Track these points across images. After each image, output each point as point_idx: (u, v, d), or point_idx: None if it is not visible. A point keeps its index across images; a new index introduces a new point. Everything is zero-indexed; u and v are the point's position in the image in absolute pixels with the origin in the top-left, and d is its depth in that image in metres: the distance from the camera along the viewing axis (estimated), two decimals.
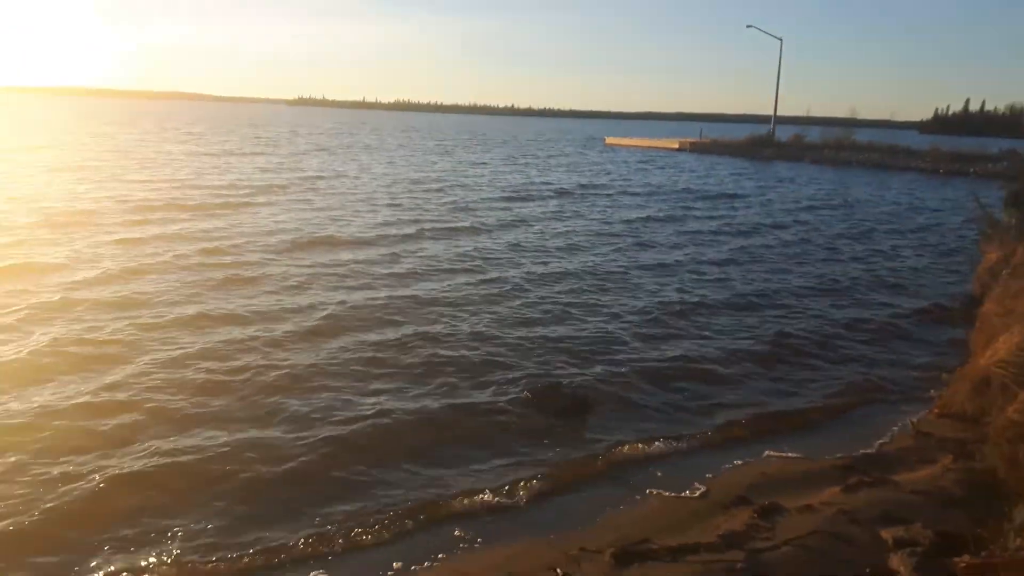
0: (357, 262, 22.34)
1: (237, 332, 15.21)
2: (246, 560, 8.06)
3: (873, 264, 26.19)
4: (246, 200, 34.14)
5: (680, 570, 7.86)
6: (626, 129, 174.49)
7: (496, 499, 9.59)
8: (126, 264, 20.54)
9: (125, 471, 9.55)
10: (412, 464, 10.33)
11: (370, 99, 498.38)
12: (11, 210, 28.03)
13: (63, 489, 9.09)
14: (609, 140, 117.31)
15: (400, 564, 8.13)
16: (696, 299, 19.73)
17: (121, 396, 11.81)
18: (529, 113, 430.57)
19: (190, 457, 10.05)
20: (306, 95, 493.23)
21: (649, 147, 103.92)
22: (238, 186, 39.34)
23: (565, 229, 30.66)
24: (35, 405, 11.28)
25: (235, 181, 41.73)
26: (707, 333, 16.91)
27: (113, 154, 55.73)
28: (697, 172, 63.45)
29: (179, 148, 65.31)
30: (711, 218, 35.78)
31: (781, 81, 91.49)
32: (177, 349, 13.99)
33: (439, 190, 42.41)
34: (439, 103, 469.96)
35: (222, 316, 16.24)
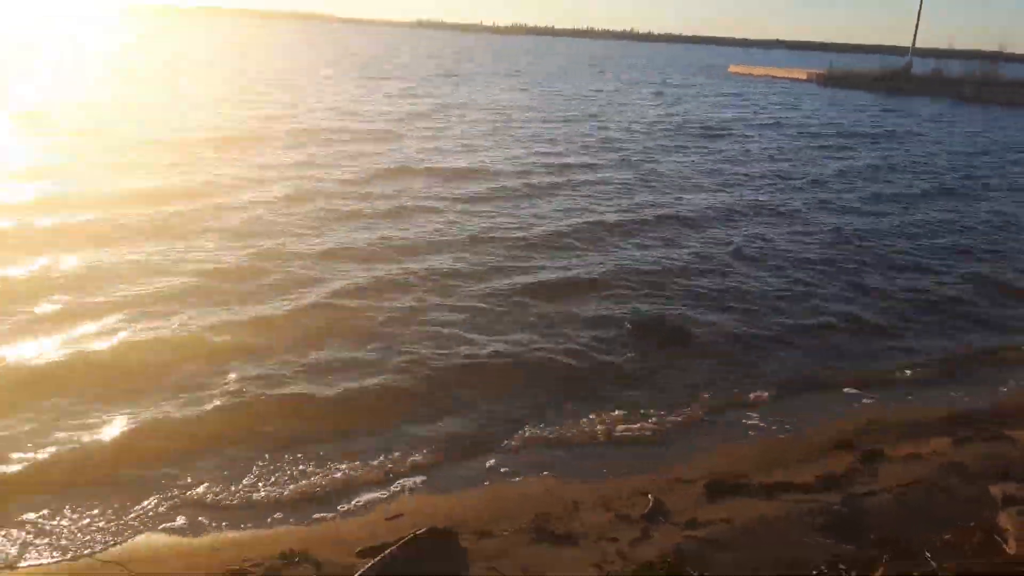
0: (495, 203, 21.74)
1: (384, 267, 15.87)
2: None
3: None
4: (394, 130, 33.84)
5: (771, 507, 7.86)
6: (739, 56, 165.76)
7: (596, 428, 9.82)
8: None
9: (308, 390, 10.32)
10: (518, 397, 10.60)
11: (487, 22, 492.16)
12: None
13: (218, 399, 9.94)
14: (733, 68, 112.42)
15: (505, 469, 8.70)
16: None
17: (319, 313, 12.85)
18: (631, 37, 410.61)
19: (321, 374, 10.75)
20: (424, 18, 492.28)
21: (775, 77, 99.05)
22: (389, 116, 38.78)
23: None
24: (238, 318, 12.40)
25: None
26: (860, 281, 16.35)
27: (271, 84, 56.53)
28: (843, 107, 59.64)
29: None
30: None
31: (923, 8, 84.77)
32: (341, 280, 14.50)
33: (576, 120, 40.96)
34: (551, 26, 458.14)
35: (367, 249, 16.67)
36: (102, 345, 11.05)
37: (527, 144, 31.85)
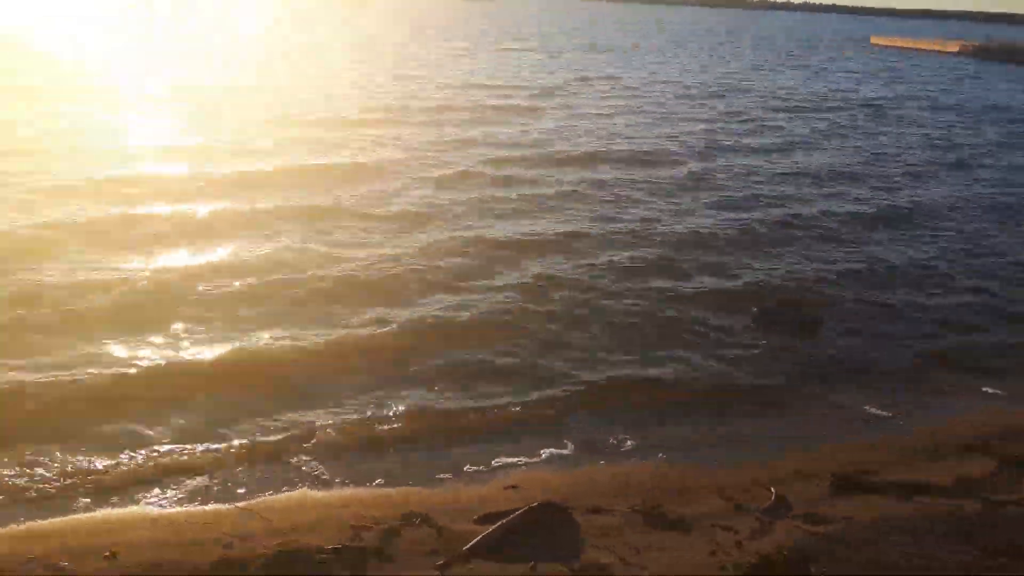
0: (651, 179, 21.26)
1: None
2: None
3: None
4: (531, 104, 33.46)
5: (900, 507, 7.53)
6: (879, 27, 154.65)
7: (711, 413, 9.69)
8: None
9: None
10: (634, 380, 10.47)
11: None
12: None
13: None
14: (875, 39, 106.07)
15: (622, 450, 8.62)
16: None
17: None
18: (751, 6, 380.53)
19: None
20: None
21: (922, 49, 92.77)
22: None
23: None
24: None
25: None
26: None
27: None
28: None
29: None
30: None
31: None
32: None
33: (718, 95, 39.00)
34: None
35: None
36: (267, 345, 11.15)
37: (674, 122, 30.53)
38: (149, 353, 10.11)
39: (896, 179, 22.89)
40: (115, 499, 7.52)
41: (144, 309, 11.31)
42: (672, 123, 30.05)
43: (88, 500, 7.50)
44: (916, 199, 20.68)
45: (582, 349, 11.03)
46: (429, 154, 22.42)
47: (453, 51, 57.57)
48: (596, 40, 76.94)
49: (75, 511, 7.34)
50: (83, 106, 27.40)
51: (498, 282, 13.07)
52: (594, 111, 32.14)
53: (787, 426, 9.52)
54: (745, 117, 32.26)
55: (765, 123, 31.34)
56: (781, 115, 33.85)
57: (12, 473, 7.77)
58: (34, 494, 7.53)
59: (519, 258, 14.28)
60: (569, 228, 16.10)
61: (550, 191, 19.11)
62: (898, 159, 26.01)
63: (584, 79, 43.38)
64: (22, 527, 7.05)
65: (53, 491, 7.58)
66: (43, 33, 54.37)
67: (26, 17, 65.61)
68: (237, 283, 12.35)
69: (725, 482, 8.03)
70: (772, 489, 7.78)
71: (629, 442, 8.96)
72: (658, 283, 13.44)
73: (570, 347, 11.07)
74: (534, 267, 13.81)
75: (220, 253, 13.76)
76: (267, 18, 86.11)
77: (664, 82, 43.73)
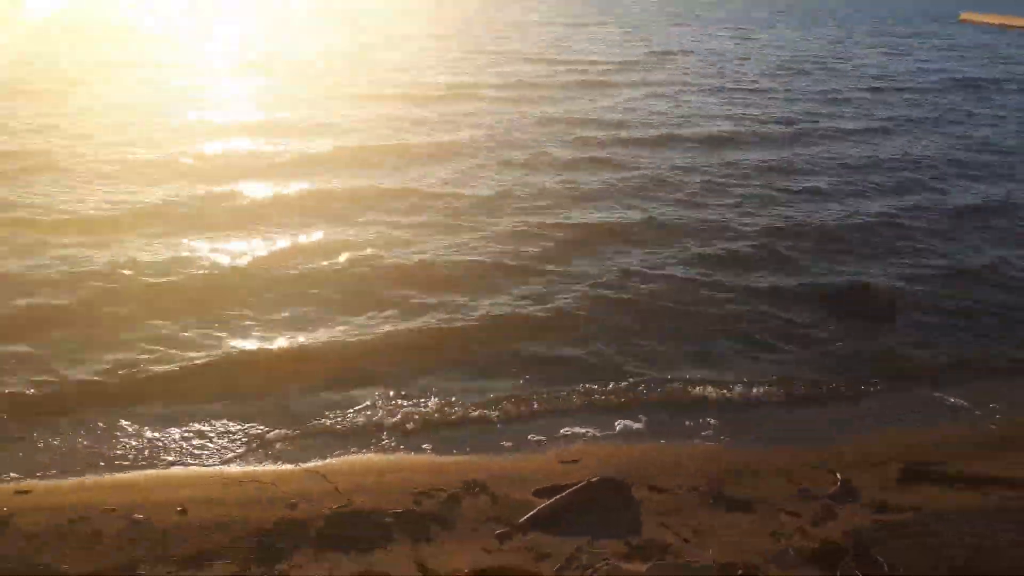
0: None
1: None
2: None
3: None
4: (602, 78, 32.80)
5: (973, 499, 7.28)
6: (962, 2, 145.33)
7: (777, 394, 9.52)
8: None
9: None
10: (701, 358, 10.43)
11: None
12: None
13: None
14: (964, 16, 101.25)
15: (684, 427, 8.63)
16: None
17: None
18: None
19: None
20: None
21: (1019, 27, 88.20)
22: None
23: None
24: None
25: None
26: None
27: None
28: None
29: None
30: None
31: None
32: None
33: (802, 72, 36.99)
34: None
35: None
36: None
37: (758, 101, 29.12)
38: (224, 331, 10.37)
39: (996, 168, 21.24)
40: (188, 458, 7.82)
41: (220, 289, 11.58)
42: (756, 102, 28.81)
43: (164, 458, 7.81)
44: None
45: (653, 337, 10.84)
46: (506, 133, 22.16)
47: (527, 23, 56.89)
48: (674, 13, 74.66)
49: (151, 467, 7.66)
50: (168, 80, 28.33)
51: (576, 270, 12.89)
52: (675, 88, 31.19)
53: (856, 413, 9.28)
54: (833, 96, 30.51)
55: (853, 103, 29.54)
56: (869, 95, 31.61)
57: (99, 431, 8.20)
58: (118, 450, 7.91)
59: (598, 246, 14.02)
60: (649, 215, 15.67)
61: (632, 174, 18.58)
62: (996, 147, 23.96)
63: (665, 53, 42.16)
64: (105, 479, 7.41)
65: (133, 448, 7.95)
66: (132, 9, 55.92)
67: None
68: (313, 265, 12.53)
69: (790, 465, 7.88)
70: (838, 475, 7.60)
71: (693, 424, 8.85)
72: (736, 274, 13.06)
73: (641, 335, 10.89)
74: (613, 256, 13.58)
75: (298, 235, 13.87)
76: None
77: (744, 58, 41.99)
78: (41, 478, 7.41)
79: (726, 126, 24.31)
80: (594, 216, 15.55)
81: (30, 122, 21.07)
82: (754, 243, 14.38)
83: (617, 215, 15.70)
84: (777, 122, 25.34)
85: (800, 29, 63.61)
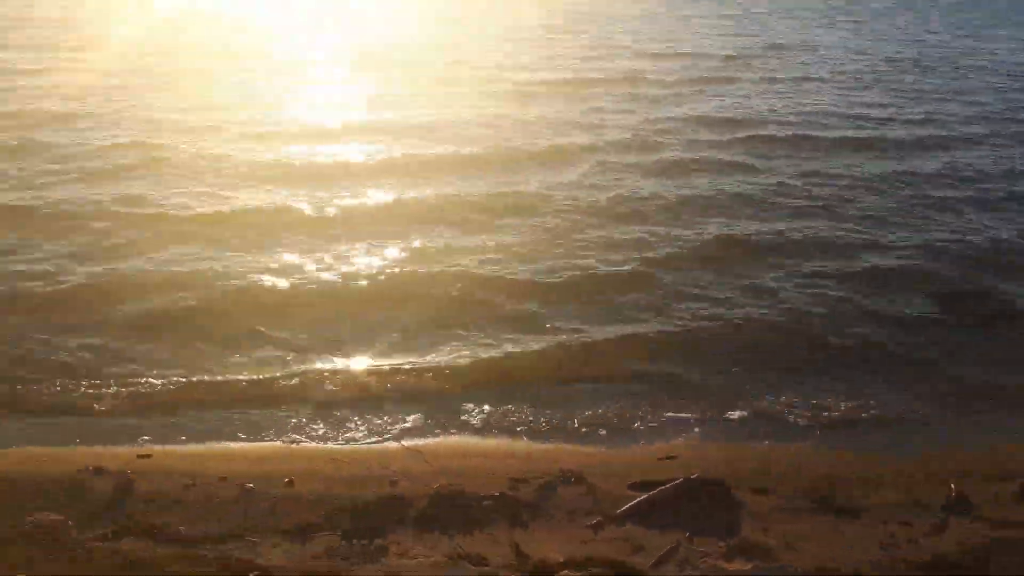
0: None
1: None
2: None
3: None
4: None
5: None
6: None
7: (885, 403, 9.10)
8: None
9: None
10: (809, 365, 10.03)
11: None
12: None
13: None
14: None
15: (788, 430, 8.39)
16: None
17: None
18: None
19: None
20: None
21: None
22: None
23: None
24: None
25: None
26: None
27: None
28: None
29: None
30: None
31: None
32: None
33: (929, 68, 33.53)
34: None
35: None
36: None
37: (892, 99, 26.73)
38: (331, 325, 10.55)
39: None
40: (295, 432, 8.14)
41: (340, 293, 11.57)
42: (889, 100, 26.44)
43: (272, 431, 8.16)
44: None
45: (771, 350, 10.37)
46: (623, 134, 21.11)
47: (631, 16, 55.30)
48: (784, 5, 70.62)
49: (261, 439, 8.01)
50: (280, 73, 29.20)
51: (700, 284, 12.12)
52: (796, 84, 29.25)
53: (975, 422, 8.78)
54: (969, 99, 27.00)
55: (998, 106, 26.06)
56: (1012, 95, 27.96)
57: (212, 404, 8.66)
58: (230, 422, 8.32)
59: (726, 259, 13.02)
60: (781, 226, 14.49)
61: (761, 181, 17.23)
62: None
63: (780, 46, 39.66)
64: (217, 448, 7.80)
65: (244, 421, 8.35)
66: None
67: None
68: (431, 270, 12.19)
69: (903, 473, 7.54)
70: (953, 486, 7.23)
71: (800, 429, 8.57)
72: (872, 292, 12.11)
73: (756, 349, 10.36)
74: (742, 270, 12.65)
75: (418, 241, 13.41)
76: None
77: (860, 52, 38.98)
78: (163, 442, 7.87)
79: (855, 127, 22.63)
80: (723, 227, 14.46)
81: (159, 116, 21.86)
82: (895, 260, 13.14)
83: (748, 226, 14.56)
84: (907, 123, 23.26)
85: (921, 20, 59.59)
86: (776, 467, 7.67)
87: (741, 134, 21.19)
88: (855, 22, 54.32)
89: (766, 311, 11.26)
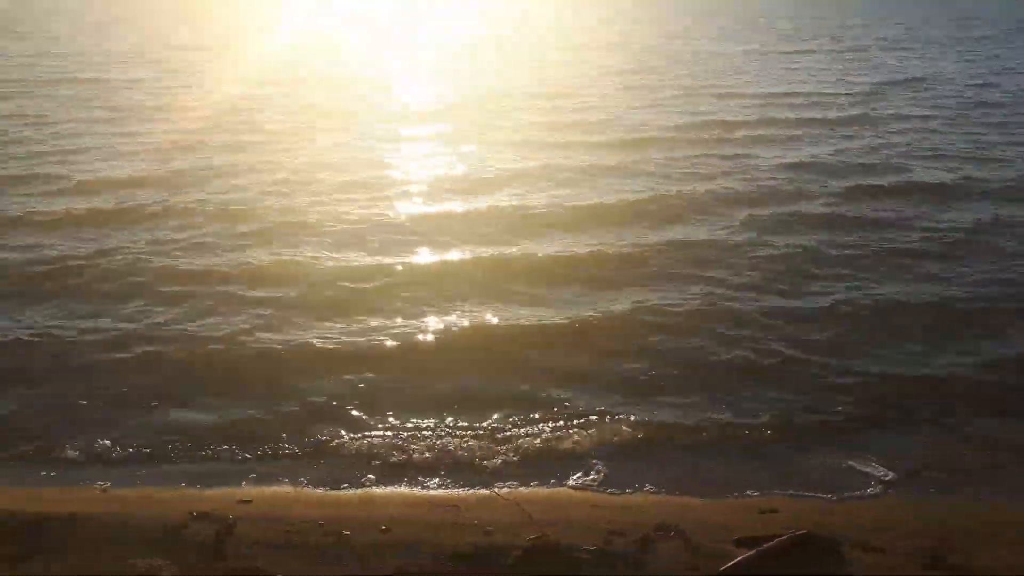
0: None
1: None
2: None
3: None
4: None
5: None
6: None
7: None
8: None
9: None
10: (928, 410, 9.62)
11: None
12: None
13: None
14: None
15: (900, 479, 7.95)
16: None
17: None
18: None
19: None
20: None
21: None
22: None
23: None
24: None
25: None
26: None
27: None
28: None
29: None
30: None
31: None
32: None
33: None
34: None
35: None
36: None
37: None
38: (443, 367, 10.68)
39: None
40: (391, 478, 8.18)
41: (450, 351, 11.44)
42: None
43: (369, 476, 8.22)
44: None
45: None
46: (743, 182, 19.38)
47: (719, 54, 53.40)
48: (886, 37, 66.81)
49: (358, 485, 8.07)
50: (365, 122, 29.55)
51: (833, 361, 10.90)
52: (921, 126, 26.49)
53: None
54: None
55: None
56: None
57: (313, 446, 8.83)
58: (328, 466, 8.45)
59: (866, 334, 11.60)
60: (941, 295, 12.86)
61: (912, 237, 15.51)
62: None
63: (892, 83, 36.64)
64: (315, 493, 7.89)
65: (341, 465, 8.46)
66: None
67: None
68: (549, 322, 11.95)
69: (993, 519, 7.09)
70: None
71: (913, 480, 8.15)
72: None
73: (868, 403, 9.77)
74: (878, 350, 11.15)
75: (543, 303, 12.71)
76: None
77: (982, 84, 35.70)
78: (261, 488, 8.01)
79: (1003, 176, 19.91)
80: (865, 292, 12.95)
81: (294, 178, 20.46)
82: None
83: (896, 293, 12.94)
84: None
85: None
86: (885, 522, 7.28)
87: (868, 181, 19.34)
88: (968, 50, 51.36)
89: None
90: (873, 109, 29.52)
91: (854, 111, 29.17)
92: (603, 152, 22.83)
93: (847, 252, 14.79)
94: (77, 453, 8.70)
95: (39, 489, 8.03)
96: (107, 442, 8.87)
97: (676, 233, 15.86)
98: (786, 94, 33.12)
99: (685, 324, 11.78)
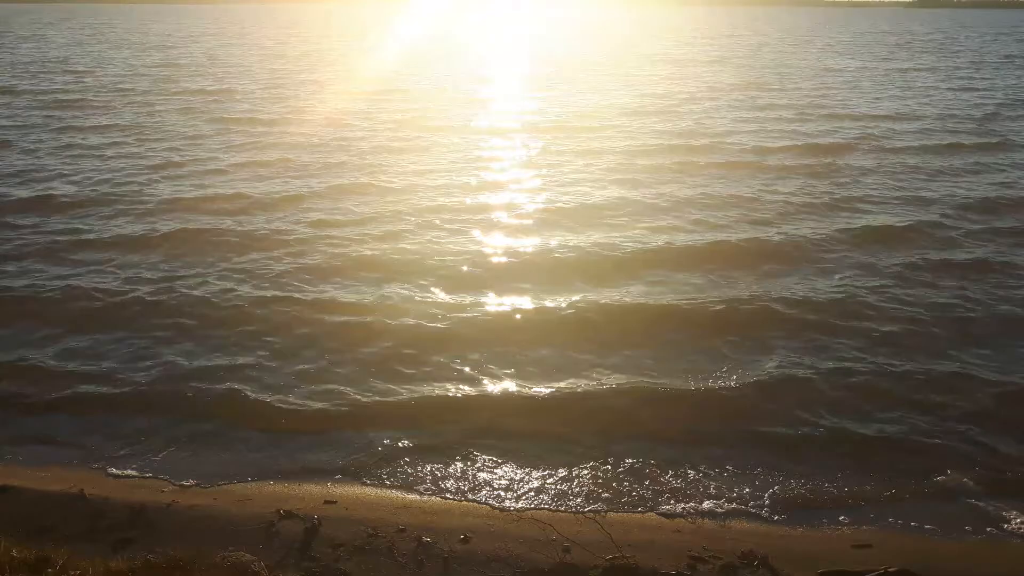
0: None
1: None
2: None
3: None
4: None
5: None
6: None
7: None
8: None
9: None
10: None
11: None
12: None
13: None
14: None
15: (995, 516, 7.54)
16: None
17: None
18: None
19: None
20: None
21: None
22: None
23: None
24: None
25: None
26: None
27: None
28: None
29: None
30: None
31: None
32: None
33: None
34: None
35: None
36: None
37: None
38: (523, 377, 10.54)
39: None
40: (472, 489, 8.18)
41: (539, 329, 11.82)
42: None
43: (450, 484, 8.26)
44: None
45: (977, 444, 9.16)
46: (856, 214, 17.99)
47: (831, 68, 51.15)
48: (1006, 53, 61.27)
49: (439, 493, 8.13)
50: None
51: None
52: None
53: None
54: None
55: None
56: None
57: (397, 451, 8.93)
58: (414, 473, 8.48)
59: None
60: None
61: None
62: None
63: (1014, 104, 34.56)
64: (398, 497, 7.99)
65: (425, 474, 8.49)
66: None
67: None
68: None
69: None
70: None
71: (1007, 518, 7.70)
72: None
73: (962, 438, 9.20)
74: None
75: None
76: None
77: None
78: (345, 488, 8.16)
79: None
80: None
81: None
82: None
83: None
84: None
85: None
86: (978, 561, 6.89)
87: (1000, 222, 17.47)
88: None
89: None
90: (1005, 137, 27.03)
91: (982, 136, 27.01)
92: (711, 180, 21.13)
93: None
94: (173, 448, 9.03)
95: (139, 479, 8.37)
96: (196, 440, 9.19)
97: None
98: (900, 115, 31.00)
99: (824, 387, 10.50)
